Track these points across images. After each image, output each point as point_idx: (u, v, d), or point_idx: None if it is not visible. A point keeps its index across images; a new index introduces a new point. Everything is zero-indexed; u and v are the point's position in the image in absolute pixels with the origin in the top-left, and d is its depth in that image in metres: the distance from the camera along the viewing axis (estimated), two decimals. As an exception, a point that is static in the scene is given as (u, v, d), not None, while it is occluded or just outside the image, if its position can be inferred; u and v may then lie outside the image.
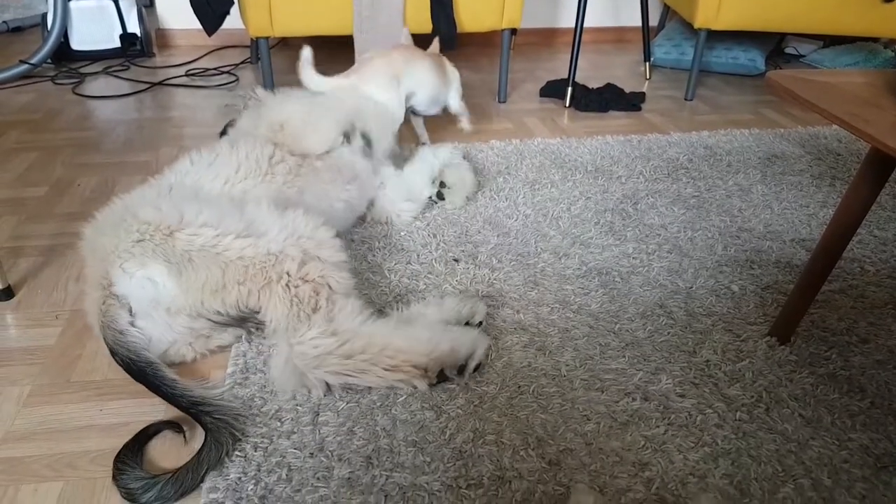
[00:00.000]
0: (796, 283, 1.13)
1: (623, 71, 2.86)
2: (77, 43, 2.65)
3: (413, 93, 1.72)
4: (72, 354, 1.13)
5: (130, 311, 1.05)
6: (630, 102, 2.38)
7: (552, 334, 1.19)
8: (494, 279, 1.35)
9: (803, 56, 2.97)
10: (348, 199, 1.44)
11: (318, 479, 0.90)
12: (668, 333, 1.20)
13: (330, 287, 1.08)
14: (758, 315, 1.25)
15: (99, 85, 2.48)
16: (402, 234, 1.51)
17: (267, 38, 2.16)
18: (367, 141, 1.53)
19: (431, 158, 1.61)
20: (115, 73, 2.59)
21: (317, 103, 1.51)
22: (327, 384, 1.03)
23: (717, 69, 2.82)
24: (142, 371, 0.99)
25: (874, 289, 1.34)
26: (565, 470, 0.92)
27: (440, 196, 1.61)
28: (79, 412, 1.01)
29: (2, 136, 2.00)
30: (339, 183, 1.42)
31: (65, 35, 2.59)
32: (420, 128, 1.96)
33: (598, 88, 2.43)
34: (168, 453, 0.95)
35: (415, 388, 1.04)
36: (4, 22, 2.99)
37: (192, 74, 2.61)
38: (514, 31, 2.32)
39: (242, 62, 2.76)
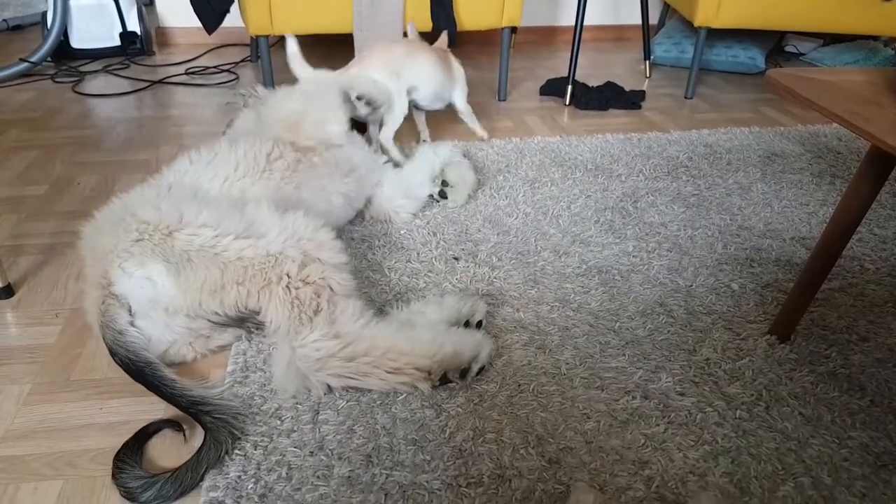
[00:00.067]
0: (796, 282, 1.13)
1: (623, 69, 2.86)
2: (77, 41, 2.65)
3: (415, 86, 1.72)
4: (72, 353, 1.13)
5: (130, 310, 1.05)
6: (630, 101, 2.38)
7: (552, 333, 1.19)
8: (494, 277, 1.35)
9: (803, 54, 2.97)
10: (346, 193, 1.44)
11: (318, 477, 0.90)
12: (668, 332, 1.20)
13: (331, 289, 1.08)
14: (758, 313, 1.25)
15: (99, 83, 2.48)
16: (403, 232, 1.51)
17: (267, 36, 2.16)
18: (368, 101, 1.54)
19: (432, 156, 1.61)
20: (115, 72, 2.59)
21: (316, 93, 1.52)
22: (329, 387, 1.03)
23: (717, 67, 2.81)
24: (140, 371, 0.99)
25: (874, 287, 1.34)
26: (565, 468, 0.92)
27: (442, 195, 1.61)
28: (79, 411, 1.01)
29: (2, 135, 2.00)
30: (337, 177, 1.42)
31: (65, 33, 2.59)
32: (421, 124, 1.96)
33: (598, 87, 2.42)
34: (168, 452, 0.95)
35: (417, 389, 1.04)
36: (4, 20, 2.99)
37: (192, 73, 2.61)
38: (514, 30, 2.32)
39: (242, 60, 2.76)
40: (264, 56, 2.20)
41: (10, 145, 1.93)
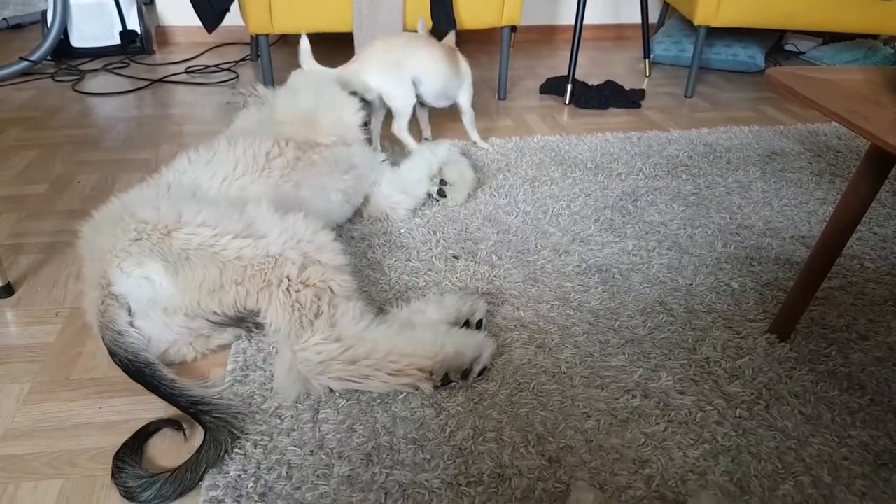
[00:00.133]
0: (796, 280, 1.13)
1: (623, 68, 2.86)
2: (77, 40, 2.65)
3: (419, 80, 1.71)
4: (72, 352, 1.13)
5: (129, 310, 1.05)
6: (630, 99, 2.38)
7: (552, 331, 1.19)
8: (494, 276, 1.35)
9: (803, 53, 2.96)
10: (345, 190, 1.44)
11: (318, 476, 0.90)
12: (668, 330, 1.20)
13: (332, 291, 1.07)
14: (758, 312, 1.25)
15: (99, 82, 2.48)
16: (402, 231, 1.51)
17: (267, 35, 2.16)
18: (361, 98, 1.57)
19: (429, 155, 1.61)
20: (115, 71, 2.59)
21: (323, 89, 1.53)
22: (331, 390, 1.02)
23: (717, 66, 2.81)
24: (140, 371, 0.99)
25: (874, 285, 1.34)
26: (565, 467, 0.92)
27: (441, 193, 1.61)
28: (78, 410, 1.01)
29: (2, 134, 2.00)
30: (336, 174, 1.42)
31: (65, 32, 2.59)
32: (424, 122, 1.96)
33: (597, 85, 2.42)
34: (167, 451, 0.95)
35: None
36: (4, 19, 2.98)
37: (192, 72, 2.61)
38: (513, 29, 2.32)
39: (242, 59, 2.76)
40: (264, 55, 2.20)
41: (10, 144, 1.93)
